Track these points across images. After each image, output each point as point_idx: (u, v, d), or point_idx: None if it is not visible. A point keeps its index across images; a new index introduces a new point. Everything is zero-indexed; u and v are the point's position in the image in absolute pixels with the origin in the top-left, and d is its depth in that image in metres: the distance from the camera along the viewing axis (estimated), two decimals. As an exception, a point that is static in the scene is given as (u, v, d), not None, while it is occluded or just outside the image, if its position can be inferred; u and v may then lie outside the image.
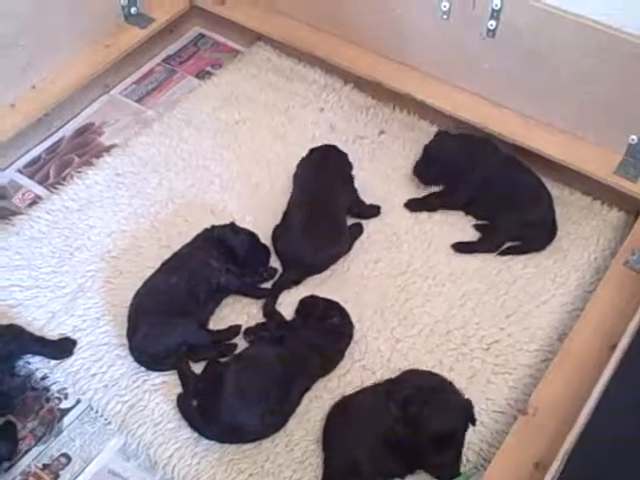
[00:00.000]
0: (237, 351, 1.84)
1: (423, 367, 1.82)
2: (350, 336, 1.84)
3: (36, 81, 2.35)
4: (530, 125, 2.19)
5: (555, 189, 2.13)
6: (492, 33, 2.12)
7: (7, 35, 2.19)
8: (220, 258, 1.93)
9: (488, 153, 2.13)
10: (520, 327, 1.89)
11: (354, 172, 2.17)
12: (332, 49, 2.46)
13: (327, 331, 1.81)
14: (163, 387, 1.80)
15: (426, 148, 2.19)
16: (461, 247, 2.06)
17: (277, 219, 2.10)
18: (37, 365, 1.86)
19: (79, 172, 2.27)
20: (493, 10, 2.07)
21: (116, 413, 1.77)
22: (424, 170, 2.19)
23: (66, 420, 1.78)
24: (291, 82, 2.53)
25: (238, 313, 1.93)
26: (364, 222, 2.12)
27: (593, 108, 2.06)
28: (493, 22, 2.09)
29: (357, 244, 2.07)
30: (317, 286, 1.98)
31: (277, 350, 1.76)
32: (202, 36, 2.76)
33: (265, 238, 2.02)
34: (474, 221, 2.12)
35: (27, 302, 1.96)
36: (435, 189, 2.20)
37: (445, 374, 1.80)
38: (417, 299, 1.96)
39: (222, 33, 2.76)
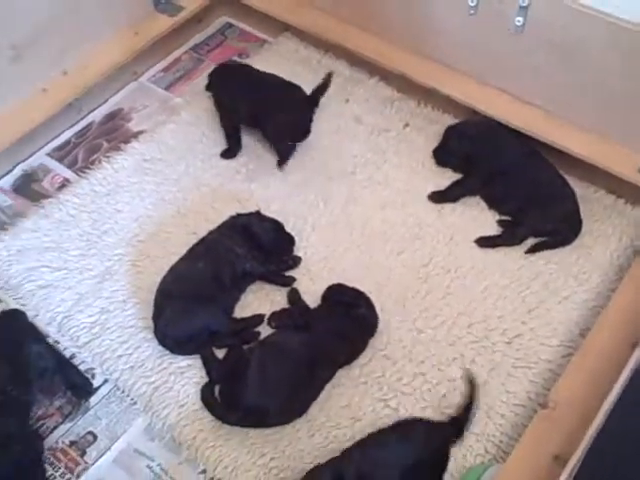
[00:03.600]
0: (260, 338, 1.87)
1: (444, 359, 1.85)
2: (375, 326, 1.86)
3: (67, 67, 2.37)
4: (554, 122, 2.18)
5: (579, 187, 2.14)
6: (519, 29, 2.12)
7: (40, 22, 2.22)
8: (245, 245, 1.95)
9: (512, 143, 2.16)
10: (542, 322, 1.91)
11: (378, 165, 2.25)
12: (359, 42, 2.47)
13: (353, 320, 1.83)
14: (188, 370, 1.83)
15: (447, 130, 2.25)
16: (484, 241, 2.07)
17: (303, 209, 2.14)
18: (66, 344, 1.89)
19: (107, 157, 2.30)
20: (520, 6, 2.07)
21: (142, 394, 1.80)
22: (442, 153, 2.24)
23: (93, 399, 1.82)
24: (316, 73, 2.52)
25: (262, 300, 1.96)
26: (389, 214, 2.14)
27: (618, 105, 2.06)
28: (520, 18, 2.09)
29: (380, 234, 2.10)
30: (339, 275, 1.99)
31: (301, 337, 1.79)
32: (229, 25, 2.78)
33: (290, 227, 2.05)
34: (497, 216, 2.14)
35: (56, 283, 1.99)
36: (456, 177, 2.22)
37: (467, 366, 1.83)
38: (439, 291, 1.98)
39: (249, 23, 2.78)
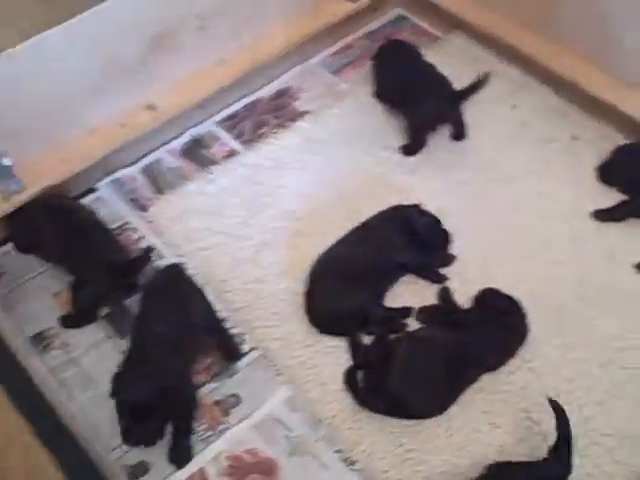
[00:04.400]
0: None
1: (592, 381, 1.80)
2: (525, 336, 1.83)
3: (246, 41, 2.45)
4: None
5: None
6: None
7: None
8: (403, 237, 1.96)
9: None
10: (703, 356, 1.82)
11: (542, 174, 2.22)
12: (533, 46, 2.42)
13: (505, 327, 1.81)
14: (334, 351, 1.86)
15: (618, 149, 2.19)
16: (647, 267, 2.00)
17: (462, 209, 2.13)
18: (219, 307, 1.95)
19: (275, 133, 2.37)
20: None
21: (287, 366, 1.85)
22: (608, 171, 2.18)
23: (240, 363, 1.87)
24: (485, 75, 2.51)
25: (412, 293, 1.96)
26: (548, 226, 2.10)
27: None
28: None
29: (537, 245, 2.06)
30: (492, 280, 1.95)
31: (451, 336, 1.79)
32: (403, 18, 2.79)
33: (448, 225, 2.03)
34: (662, 244, 2.05)
35: (216, 247, 2.07)
36: (621, 197, 2.15)
37: (614, 391, 1.77)
38: (594, 310, 1.92)
39: (422, 18, 2.77)
